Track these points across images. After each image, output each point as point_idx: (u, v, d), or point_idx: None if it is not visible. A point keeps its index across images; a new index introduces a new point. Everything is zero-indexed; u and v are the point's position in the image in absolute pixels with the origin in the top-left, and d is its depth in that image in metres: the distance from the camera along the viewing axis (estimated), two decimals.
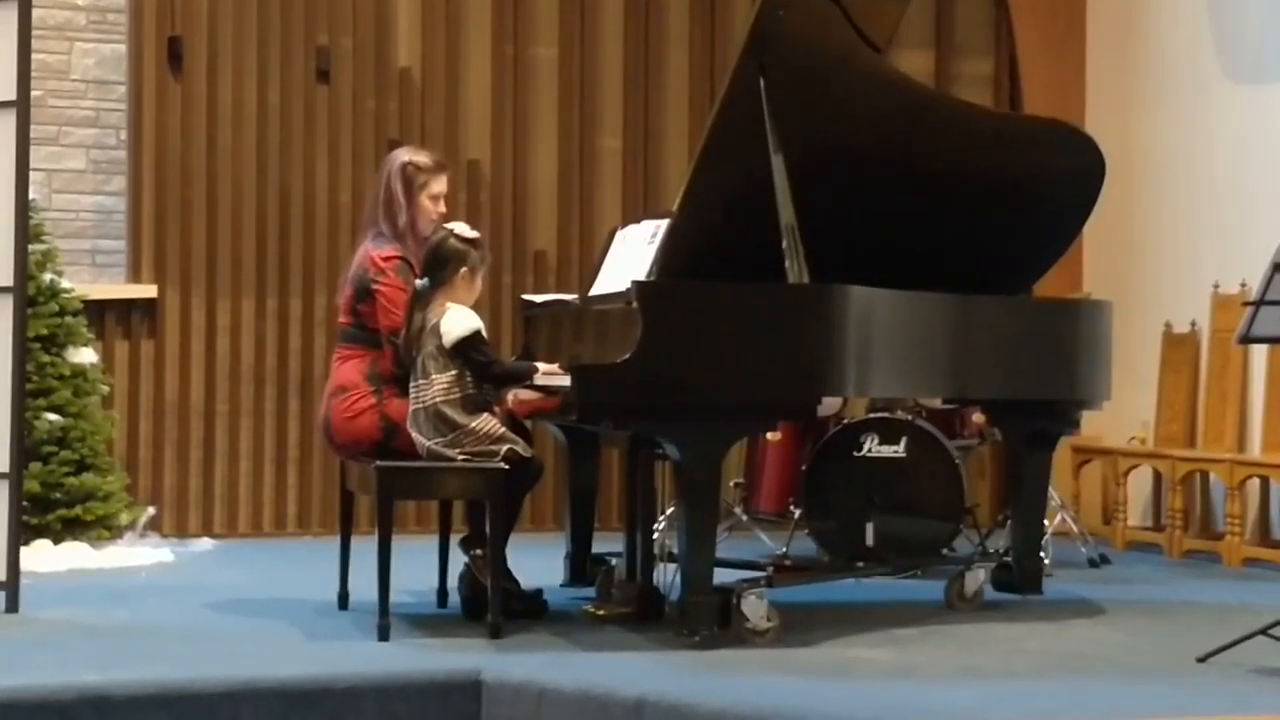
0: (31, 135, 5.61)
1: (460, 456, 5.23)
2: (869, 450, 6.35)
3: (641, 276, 5.25)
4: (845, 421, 6.42)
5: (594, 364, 5.18)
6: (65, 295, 7.08)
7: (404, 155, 5.76)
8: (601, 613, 5.58)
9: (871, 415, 6.49)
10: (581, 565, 6.06)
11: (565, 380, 5.09)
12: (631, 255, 5.56)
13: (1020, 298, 6.09)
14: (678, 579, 5.24)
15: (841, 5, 5.52)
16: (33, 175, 5.74)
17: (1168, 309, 7.87)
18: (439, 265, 5.35)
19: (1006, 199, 5.92)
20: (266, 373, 7.90)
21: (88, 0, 7.84)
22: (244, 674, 4.61)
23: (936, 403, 6.50)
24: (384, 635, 5.11)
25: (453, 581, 5.66)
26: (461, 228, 5.43)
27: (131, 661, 4.76)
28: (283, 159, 7.93)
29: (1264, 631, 4.86)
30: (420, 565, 5.73)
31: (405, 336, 5.36)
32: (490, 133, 8.21)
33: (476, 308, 5.39)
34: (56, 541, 6.79)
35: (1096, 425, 7.46)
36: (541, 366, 5.37)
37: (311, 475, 7.90)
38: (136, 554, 6.94)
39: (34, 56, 5.71)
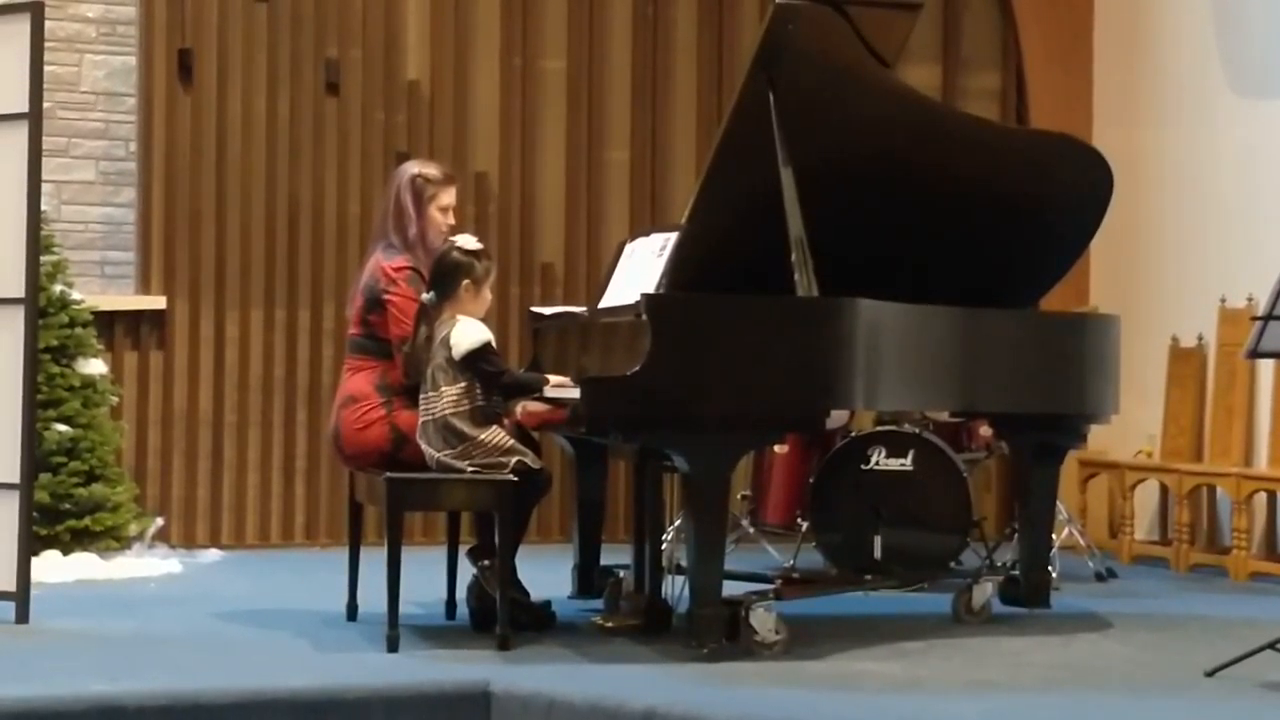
0: (42, 147, 5.63)
1: (469, 468, 5.24)
2: (876, 463, 6.35)
3: (651, 289, 5.27)
4: (852, 434, 6.43)
5: (603, 376, 5.19)
6: (75, 306, 7.10)
7: (413, 167, 5.78)
8: (609, 624, 5.59)
9: (879, 428, 6.49)
10: (589, 577, 6.06)
11: (574, 392, 5.11)
12: (640, 268, 5.57)
13: (1028, 311, 6.10)
14: (685, 591, 5.25)
15: (850, 19, 5.54)
16: (43, 187, 5.75)
17: (1174, 323, 7.87)
18: (443, 279, 5.36)
19: (1014, 212, 5.93)
20: (275, 383, 7.91)
21: (98, 12, 7.86)
22: (252, 684, 4.62)
23: (944, 416, 6.50)
24: (393, 646, 5.12)
25: (461, 593, 5.67)
26: (465, 240, 5.44)
27: (140, 672, 4.77)
28: (292, 171, 7.95)
29: (1272, 646, 4.86)
30: (429, 576, 5.74)
31: (412, 349, 5.38)
32: (498, 145, 8.23)
33: (484, 319, 5.40)
34: (65, 552, 6.80)
35: (1103, 439, 7.46)
36: (551, 378, 5.39)
37: (319, 486, 7.91)
38: (145, 564, 6.95)
39: (45, 68, 5.72)
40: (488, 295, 5.44)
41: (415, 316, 5.40)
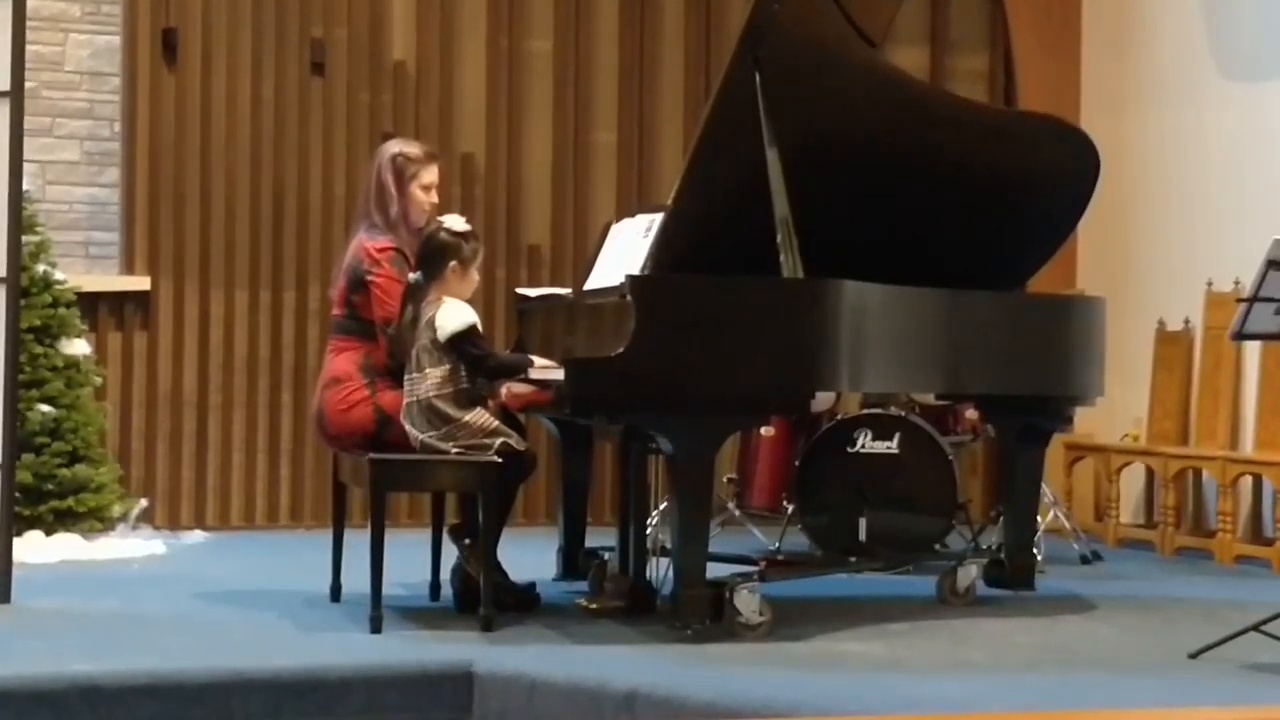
0: (25, 126, 5.60)
1: (453, 450, 5.23)
2: (862, 446, 6.35)
3: (636, 270, 5.25)
4: (839, 417, 6.43)
5: (587, 357, 5.18)
6: (58, 287, 7.08)
7: (394, 146, 5.76)
8: (594, 606, 5.58)
9: (865, 411, 6.49)
10: (574, 559, 6.06)
11: (559, 374, 5.09)
12: (626, 249, 5.56)
13: (1014, 293, 6.09)
14: (670, 573, 5.24)
15: (837, 0, 5.52)
16: (26, 167, 5.73)
17: (1161, 306, 7.87)
18: (430, 259, 5.35)
19: (1001, 195, 5.92)
20: (259, 364, 7.89)
21: None
22: (235, 665, 4.62)
23: (930, 398, 6.50)
24: (376, 627, 5.11)
25: (445, 574, 5.66)
26: (453, 220, 5.43)
27: (123, 652, 4.76)
28: (277, 151, 7.92)
29: (1255, 628, 4.87)
30: (413, 558, 5.73)
31: (398, 329, 5.36)
32: (484, 126, 8.21)
33: (470, 301, 5.38)
34: (48, 533, 6.79)
35: (1089, 422, 7.46)
36: (535, 360, 5.37)
37: (304, 467, 7.90)
38: (128, 546, 6.93)
39: (28, 47, 5.70)
40: (475, 277, 5.42)
41: (402, 297, 5.38)
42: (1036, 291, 6.46)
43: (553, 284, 7.38)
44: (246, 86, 7.89)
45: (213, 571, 6.42)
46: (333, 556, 5.69)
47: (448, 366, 5.26)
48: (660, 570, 5.55)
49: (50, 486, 6.84)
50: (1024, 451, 5.99)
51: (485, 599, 5.16)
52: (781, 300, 5.13)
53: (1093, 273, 8.20)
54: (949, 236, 5.90)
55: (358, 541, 5.33)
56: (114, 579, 6.20)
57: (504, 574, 5.54)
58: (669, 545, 5.29)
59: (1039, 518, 6.36)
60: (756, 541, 6.88)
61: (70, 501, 6.86)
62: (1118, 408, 7.43)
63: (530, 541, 6.14)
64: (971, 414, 6.64)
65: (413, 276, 5.37)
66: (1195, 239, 7.81)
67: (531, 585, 5.64)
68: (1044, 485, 6.42)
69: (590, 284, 5.70)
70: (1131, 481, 7.91)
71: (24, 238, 5.95)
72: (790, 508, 6.50)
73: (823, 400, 6.00)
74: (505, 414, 5.49)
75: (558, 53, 8.29)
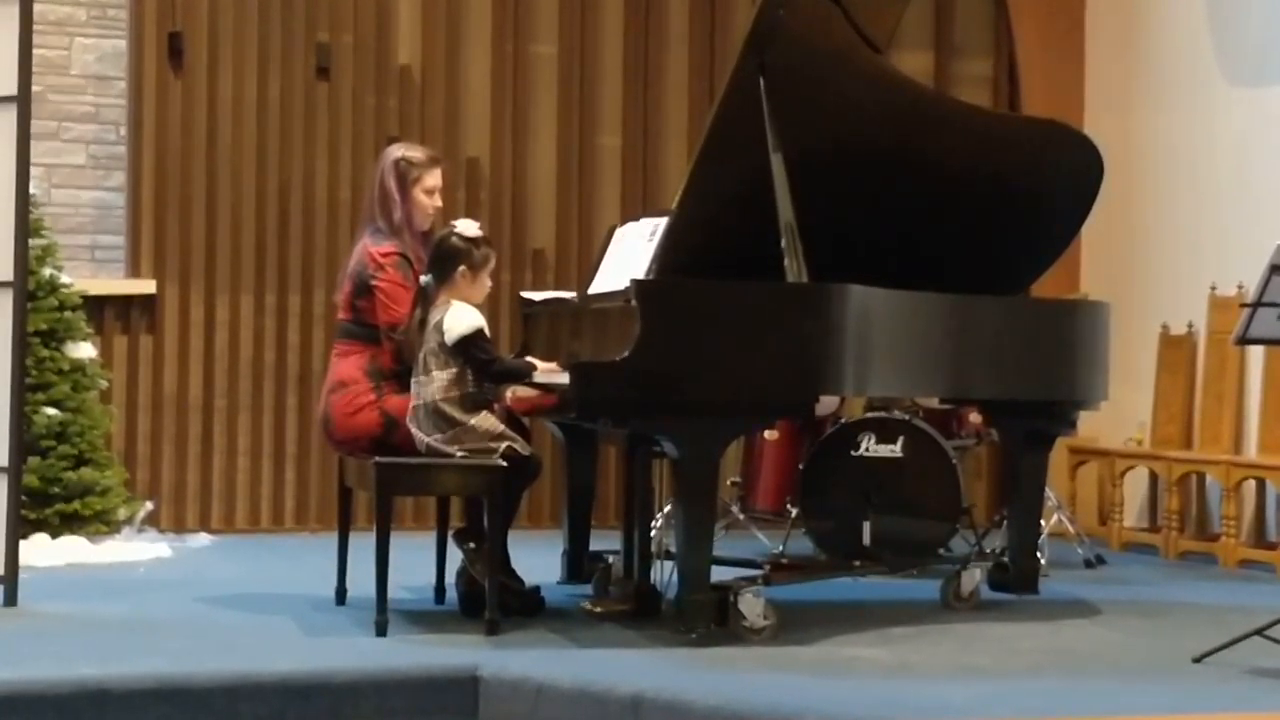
0: (32, 130, 5.61)
1: (459, 453, 5.24)
2: (866, 449, 6.35)
3: (640, 275, 5.26)
4: (843, 421, 6.43)
5: (592, 361, 5.19)
6: (65, 290, 7.09)
7: (397, 151, 5.78)
8: (599, 610, 5.59)
9: (869, 415, 6.49)
10: (579, 562, 6.07)
11: (564, 378, 5.11)
12: (630, 253, 5.57)
13: (1018, 298, 6.11)
14: (675, 577, 5.25)
15: (842, 5, 5.53)
16: (33, 170, 5.74)
17: (1165, 310, 7.88)
18: (440, 263, 5.36)
19: (1005, 199, 5.93)
20: (265, 368, 7.90)
21: None
22: (241, 668, 4.63)
23: (934, 402, 6.50)
24: (382, 631, 5.12)
25: (450, 578, 5.67)
26: (465, 225, 5.44)
27: (129, 655, 4.77)
28: (282, 155, 7.93)
29: (1259, 632, 4.88)
30: (418, 561, 5.74)
31: (407, 332, 5.38)
32: (490, 130, 8.22)
33: (478, 306, 5.39)
34: (54, 536, 6.79)
35: (1093, 426, 7.47)
36: (540, 364, 5.39)
37: (310, 471, 7.91)
38: (134, 549, 6.94)
39: (34, 52, 5.71)
40: (487, 282, 5.43)
41: (413, 299, 5.40)
42: (1040, 296, 6.47)
43: (557, 288, 7.38)
44: (252, 90, 7.89)
45: (218, 575, 6.43)
46: (338, 560, 5.70)
47: (454, 370, 5.27)
48: (665, 574, 5.57)
49: (56, 490, 6.85)
50: (1028, 455, 6.00)
51: (490, 603, 5.17)
52: (786, 304, 5.14)
53: (1097, 276, 8.20)
54: (953, 241, 5.91)
55: (363, 545, 5.33)
56: (120, 582, 6.21)
57: (518, 579, 5.55)
58: (673, 549, 5.30)
59: (1043, 521, 6.36)
60: (761, 545, 6.89)
61: (76, 504, 6.87)
62: (1121, 411, 7.44)
63: (535, 545, 6.15)
64: (975, 418, 6.65)
65: (423, 279, 5.38)
66: (1199, 243, 7.81)
67: (536, 589, 5.65)
68: (1048, 489, 6.42)
69: (595, 288, 5.71)
70: (1135, 485, 7.91)
71: (30, 241, 5.97)
72: (794, 511, 6.50)
73: (827, 404, 6.00)
74: (510, 418, 5.50)
75: (563, 57, 8.31)
